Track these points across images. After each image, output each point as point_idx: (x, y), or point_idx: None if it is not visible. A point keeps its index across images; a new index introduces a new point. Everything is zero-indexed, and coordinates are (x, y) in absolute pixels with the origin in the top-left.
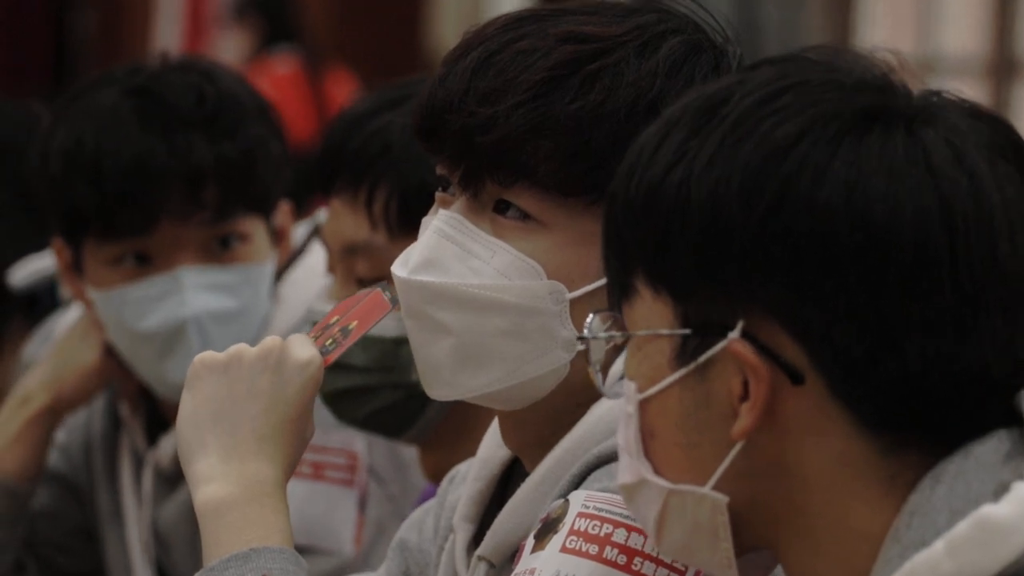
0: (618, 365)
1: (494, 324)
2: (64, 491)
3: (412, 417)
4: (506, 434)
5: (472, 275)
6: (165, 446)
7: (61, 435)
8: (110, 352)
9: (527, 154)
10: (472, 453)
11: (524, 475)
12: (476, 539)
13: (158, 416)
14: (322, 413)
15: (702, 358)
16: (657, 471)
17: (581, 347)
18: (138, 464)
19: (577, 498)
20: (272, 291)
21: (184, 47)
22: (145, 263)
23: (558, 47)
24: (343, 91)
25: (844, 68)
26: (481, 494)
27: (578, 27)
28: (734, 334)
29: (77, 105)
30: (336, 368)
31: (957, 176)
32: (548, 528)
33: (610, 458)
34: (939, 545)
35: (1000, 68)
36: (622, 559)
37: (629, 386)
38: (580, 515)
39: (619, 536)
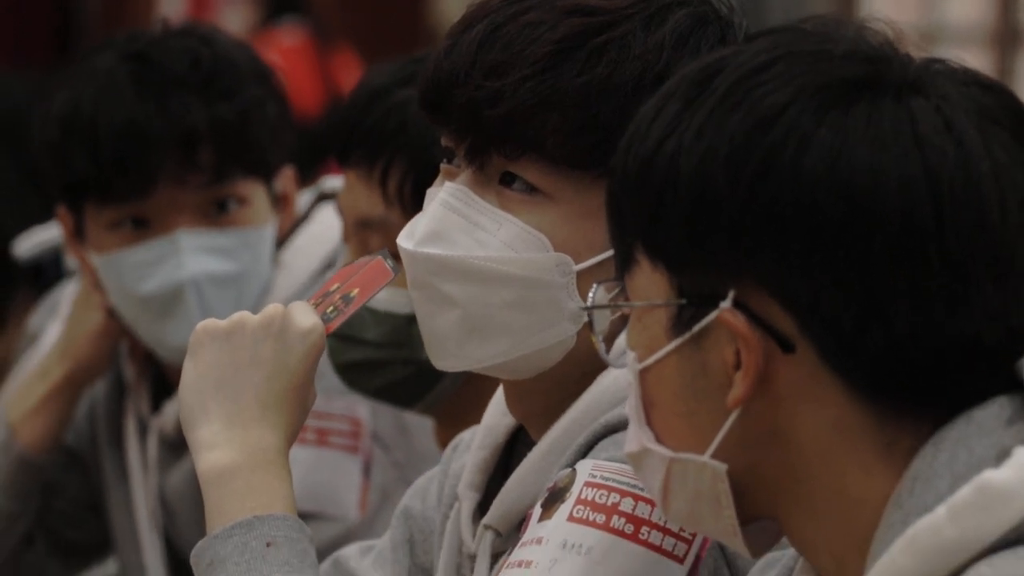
0: (625, 335)
1: (500, 296)
2: (69, 461)
3: (423, 391)
4: (512, 403)
5: (478, 247)
6: (169, 412)
7: None
8: (112, 313)
9: (534, 127)
10: None
11: (529, 443)
12: (481, 507)
13: (163, 382)
14: (326, 380)
15: (696, 328)
16: (659, 440)
17: (587, 319)
18: (143, 431)
19: (584, 467)
20: (274, 256)
21: (188, 19)
22: (143, 227)
23: (564, 20)
24: (347, 71)
25: (837, 39)
26: (486, 462)
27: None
28: (725, 304)
29: (76, 71)
30: (348, 341)
31: (944, 144)
32: (555, 497)
33: (617, 427)
34: (941, 510)
35: (1004, 38)
36: (629, 528)
37: (630, 356)
38: (587, 484)
39: (626, 505)
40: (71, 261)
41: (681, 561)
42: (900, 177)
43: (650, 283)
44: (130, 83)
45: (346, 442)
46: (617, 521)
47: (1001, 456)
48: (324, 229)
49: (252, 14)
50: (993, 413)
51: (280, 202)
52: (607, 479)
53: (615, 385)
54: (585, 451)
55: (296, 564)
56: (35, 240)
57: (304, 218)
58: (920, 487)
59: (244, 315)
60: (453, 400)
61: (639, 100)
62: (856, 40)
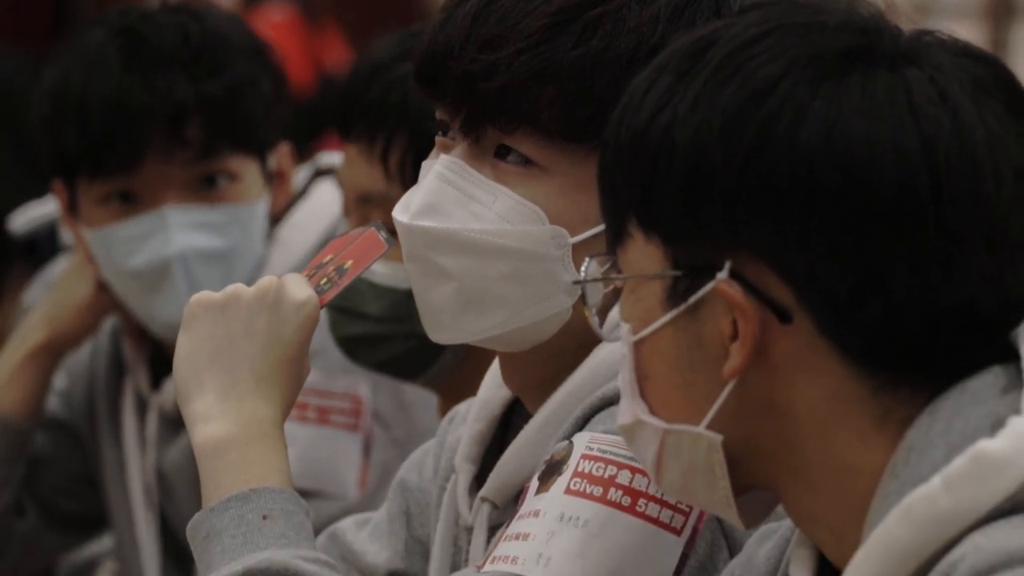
0: (618, 308)
1: (496, 269)
2: (65, 437)
3: (425, 364)
4: (507, 375)
5: (473, 220)
6: (169, 389)
7: (63, 381)
8: (104, 288)
9: (529, 100)
10: None
11: (525, 416)
12: (478, 480)
13: (162, 359)
14: (328, 358)
15: (692, 299)
16: (653, 412)
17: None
18: (142, 408)
19: (581, 440)
20: (267, 232)
21: None
22: (132, 202)
23: None
24: (333, 49)
25: (829, 11)
26: (482, 435)
27: None
28: (722, 275)
29: (68, 47)
30: (349, 314)
31: (939, 114)
32: (552, 470)
33: (613, 400)
34: (936, 480)
35: (998, 10)
36: (626, 500)
37: (624, 328)
38: (584, 457)
39: (623, 478)
40: (66, 236)
41: (678, 533)
42: (896, 147)
43: (644, 256)
44: (118, 58)
45: (347, 420)
46: (614, 494)
47: (996, 426)
48: (321, 205)
49: None
50: (988, 383)
51: (275, 178)
52: (604, 451)
53: (611, 357)
54: (582, 424)
55: (292, 536)
56: (30, 215)
57: (301, 194)
58: (915, 457)
59: (238, 287)
60: (455, 374)
61: (634, 73)
62: (848, 12)
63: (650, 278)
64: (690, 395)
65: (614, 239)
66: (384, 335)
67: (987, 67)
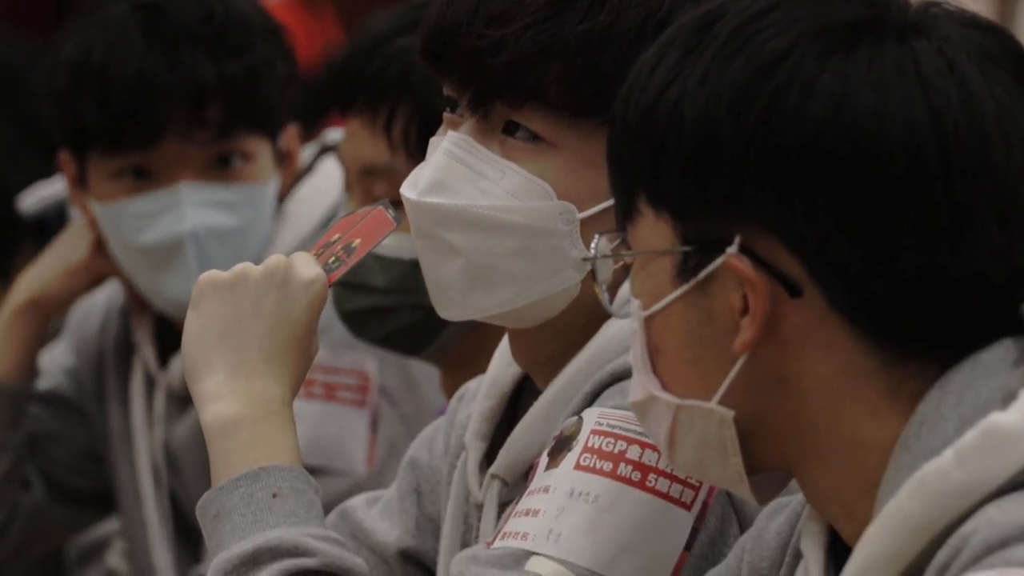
0: (628, 284)
1: (504, 245)
2: (72, 415)
3: (430, 337)
4: (517, 352)
5: (482, 196)
6: (177, 367)
7: (71, 359)
8: (102, 254)
9: (537, 76)
10: None
11: (535, 392)
12: (488, 457)
13: (170, 337)
14: (334, 334)
15: (702, 274)
16: (665, 387)
17: (589, 269)
18: (150, 386)
19: (591, 415)
20: (276, 210)
21: None
22: (146, 178)
23: None
24: (331, 34)
25: None
26: (492, 411)
27: None
28: (731, 249)
29: (87, 20)
30: (355, 288)
31: (948, 85)
32: (562, 445)
33: (623, 375)
34: (948, 454)
35: None
36: (636, 475)
37: (634, 304)
38: (594, 432)
39: (633, 453)
40: (75, 215)
41: (688, 508)
42: (905, 119)
43: (653, 231)
44: (142, 34)
45: (354, 396)
46: (624, 469)
47: (1008, 399)
48: (327, 181)
49: None
50: (999, 355)
51: (283, 159)
52: (613, 427)
53: (620, 333)
54: (591, 399)
55: (302, 515)
56: (39, 195)
57: (307, 170)
58: (927, 431)
59: (247, 266)
60: (458, 348)
61: (642, 48)
62: None
63: (660, 254)
64: (701, 370)
65: (624, 215)
66: (391, 307)
67: (995, 38)
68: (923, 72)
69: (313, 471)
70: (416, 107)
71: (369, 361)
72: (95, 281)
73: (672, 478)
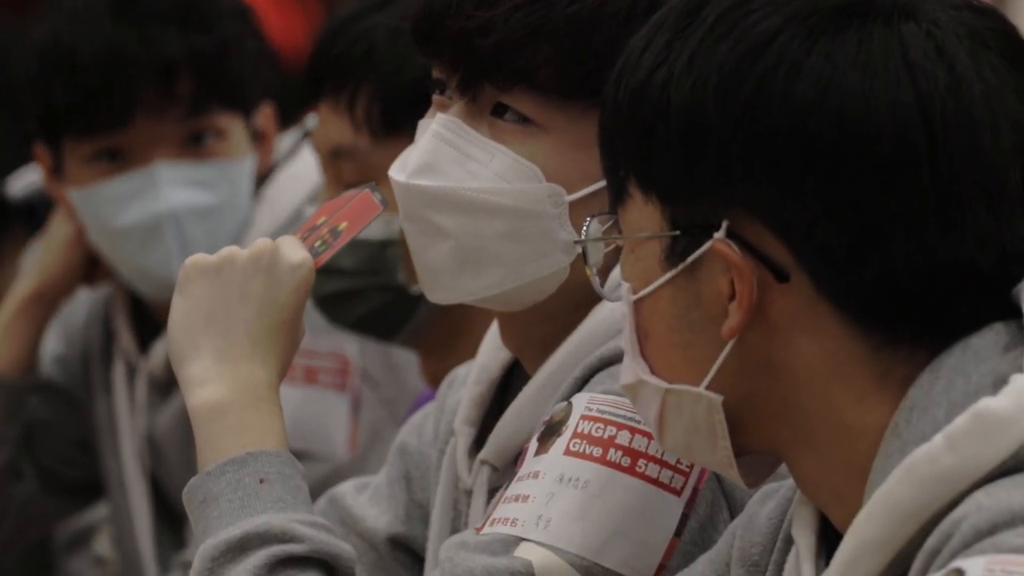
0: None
1: (493, 227)
2: (63, 402)
3: (401, 319)
4: (506, 336)
5: (470, 179)
6: (158, 353)
7: (60, 346)
8: (82, 240)
9: (526, 58)
10: (471, 356)
11: (524, 378)
12: (477, 442)
13: (150, 322)
14: (313, 317)
15: (689, 259)
16: (654, 371)
17: (579, 251)
18: (132, 373)
19: (580, 400)
20: (255, 192)
21: None
22: (121, 159)
23: None
24: (317, 23)
25: None
26: (482, 397)
27: None
28: (719, 234)
29: (55, 5)
30: (325, 271)
31: (935, 69)
32: (551, 431)
33: (612, 360)
34: (939, 439)
35: None
36: (626, 461)
37: (624, 288)
38: (583, 417)
39: (623, 438)
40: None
41: (678, 493)
42: (892, 102)
43: (643, 215)
44: (109, 13)
45: (333, 380)
46: (614, 454)
47: (998, 384)
48: (307, 166)
49: None
50: (989, 340)
51: (259, 139)
52: (603, 412)
53: (610, 317)
54: (581, 384)
55: (289, 501)
56: (27, 180)
57: (288, 156)
58: (917, 416)
59: (233, 250)
60: (435, 333)
61: (631, 29)
62: None
63: (648, 238)
64: (690, 355)
65: (615, 198)
66: (359, 289)
67: (986, 19)
68: (910, 55)
69: (294, 455)
70: (378, 86)
71: (348, 344)
72: (88, 254)
73: (662, 464)
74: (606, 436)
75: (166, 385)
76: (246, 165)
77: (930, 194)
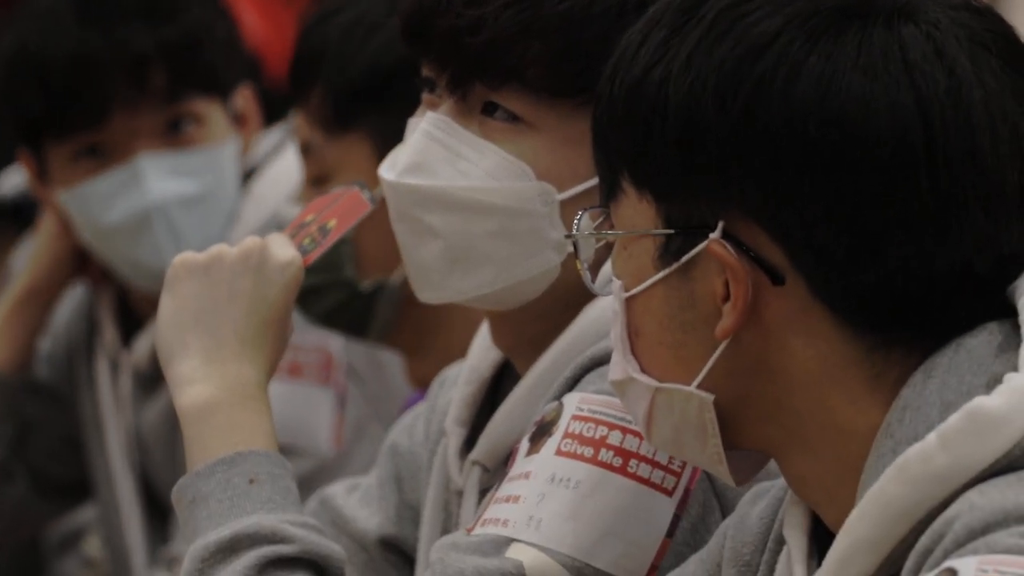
0: (610, 263)
1: (483, 226)
2: (50, 401)
3: (363, 316)
4: (497, 335)
5: (461, 177)
6: (142, 347)
7: (46, 343)
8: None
9: (516, 56)
10: (451, 356)
11: (515, 378)
12: (468, 443)
13: (132, 315)
14: (297, 312)
15: (684, 259)
16: (644, 369)
17: (570, 250)
18: (115, 368)
19: (571, 400)
20: (241, 182)
21: None
22: (102, 155)
23: None
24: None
25: None
26: (473, 397)
27: None
28: (714, 235)
29: (21, 12)
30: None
31: (935, 71)
32: (542, 431)
33: (603, 360)
34: (932, 438)
35: None
36: (617, 461)
37: (616, 284)
38: (575, 417)
39: (614, 438)
40: None
41: (670, 494)
42: (891, 105)
43: (636, 212)
44: (73, 14)
45: (318, 374)
46: (605, 454)
47: (992, 383)
48: (293, 163)
49: None
50: (983, 340)
51: (240, 121)
52: (594, 412)
53: (601, 317)
54: (572, 384)
55: (279, 501)
56: (15, 180)
57: (274, 151)
58: (910, 416)
59: (222, 248)
60: (409, 333)
61: (622, 26)
62: None
63: (642, 235)
64: (681, 355)
65: (607, 193)
66: (319, 286)
67: (986, 21)
68: (910, 58)
69: (279, 450)
70: (328, 83)
71: (332, 339)
72: (85, 267)
73: (654, 464)
74: (597, 436)
75: (151, 379)
76: (228, 149)
77: (928, 197)
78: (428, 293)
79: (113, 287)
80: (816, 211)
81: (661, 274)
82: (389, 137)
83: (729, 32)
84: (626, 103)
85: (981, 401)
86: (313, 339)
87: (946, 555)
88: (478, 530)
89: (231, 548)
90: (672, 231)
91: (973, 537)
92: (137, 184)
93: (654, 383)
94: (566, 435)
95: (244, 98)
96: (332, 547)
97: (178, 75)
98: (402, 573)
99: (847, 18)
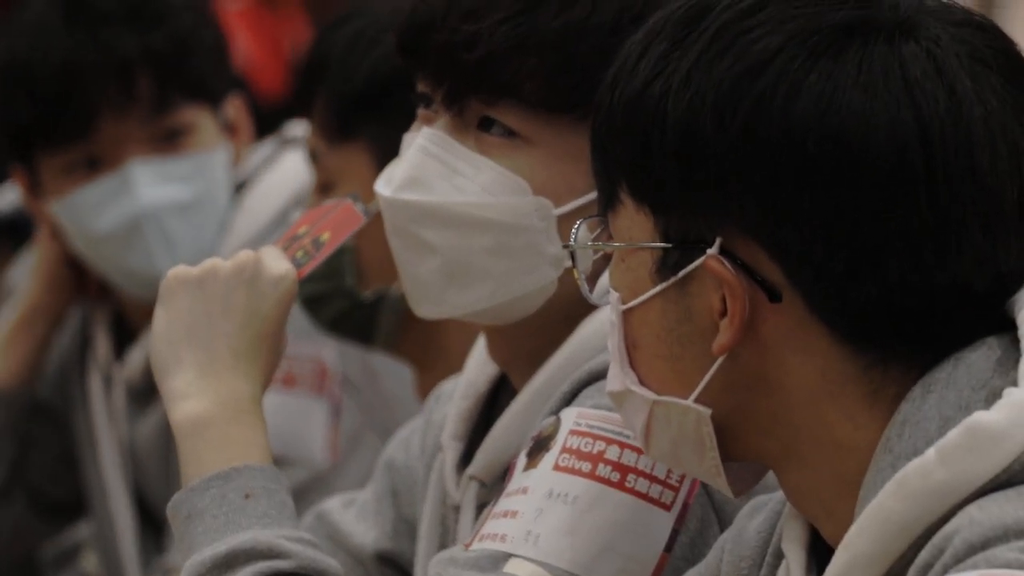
0: (608, 274)
1: (479, 242)
2: (46, 418)
3: (367, 325)
4: (493, 350)
5: (457, 193)
6: (135, 360)
7: None
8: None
9: (512, 71)
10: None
11: (512, 392)
12: (465, 457)
13: (126, 330)
14: (294, 322)
15: (681, 273)
16: (642, 382)
17: (568, 264)
18: (108, 383)
19: (569, 415)
20: (232, 191)
21: None
22: (96, 166)
23: None
24: (296, 29)
25: None
26: (469, 411)
27: None
28: (711, 251)
29: (11, 23)
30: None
31: (935, 89)
32: (540, 446)
33: (601, 374)
34: (931, 453)
35: None
36: (615, 476)
37: (613, 296)
38: (572, 432)
39: (612, 453)
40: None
41: (668, 508)
42: (890, 123)
43: (634, 223)
44: (61, 23)
45: (311, 384)
46: (603, 470)
47: (991, 398)
48: (286, 173)
49: None
50: (982, 354)
51: (231, 130)
52: (592, 427)
53: (598, 331)
54: (569, 399)
55: (275, 516)
56: (9, 197)
57: (267, 164)
58: (910, 430)
59: (215, 262)
60: (417, 345)
61: (618, 41)
62: None
63: (639, 248)
64: (679, 368)
65: (606, 203)
66: (323, 294)
67: (987, 38)
68: (910, 75)
69: (273, 460)
70: (329, 92)
71: (327, 349)
72: (85, 282)
73: (652, 479)
74: (595, 451)
75: (145, 393)
76: (219, 156)
77: (927, 215)
78: (425, 309)
79: (110, 303)
80: (815, 228)
81: (658, 288)
82: (390, 147)
83: (730, 48)
84: (625, 116)
85: (980, 416)
86: (308, 350)
87: (945, 570)
88: (476, 545)
89: (227, 564)
90: (669, 245)
91: (973, 552)
92: (128, 191)
93: (652, 396)
94: (564, 450)
95: (235, 108)
96: (329, 562)
97: (166, 82)
98: None
99: (848, 36)
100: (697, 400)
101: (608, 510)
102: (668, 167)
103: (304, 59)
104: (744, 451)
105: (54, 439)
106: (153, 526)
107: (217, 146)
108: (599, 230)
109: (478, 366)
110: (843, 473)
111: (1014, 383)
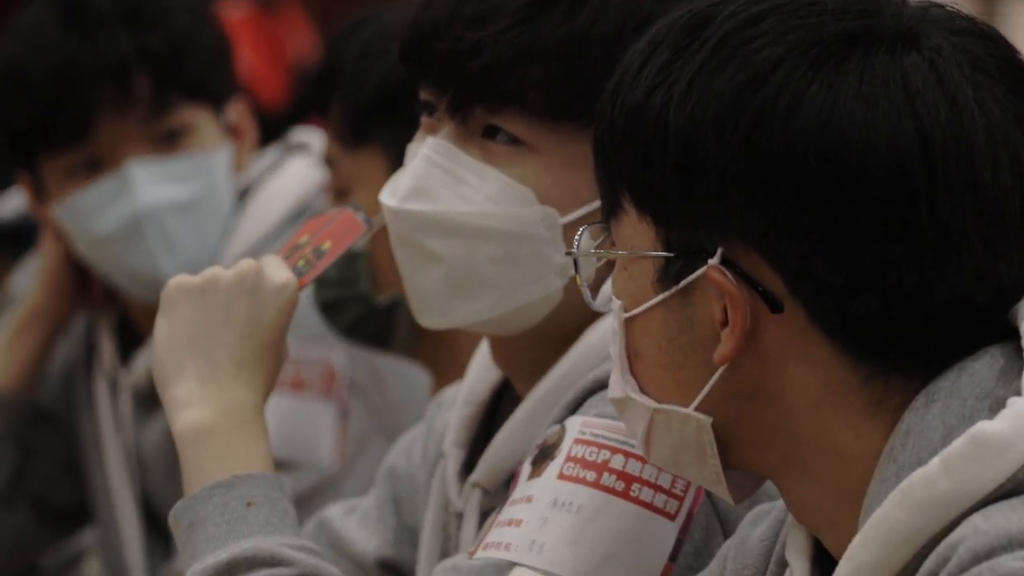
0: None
1: (485, 252)
2: (49, 426)
3: (383, 329)
4: (498, 358)
5: (462, 203)
6: (141, 365)
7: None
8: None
9: (516, 79)
10: None
11: (514, 400)
12: (467, 465)
13: (132, 334)
14: (303, 326)
15: (683, 283)
16: (643, 390)
17: (572, 272)
18: (114, 388)
19: (573, 424)
20: (237, 201)
21: None
22: (97, 168)
23: None
24: (297, 35)
25: None
26: (471, 419)
27: None
28: (713, 261)
29: (10, 29)
30: (320, 283)
31: (937, 100)
32: (544, 454)
33: (605, 383)
34: (935, 463)
35: None
36: (620, 485)
37: (615, 304)
38: (577, 441)
39: (617, 462)
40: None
41: (673, 518)
42: (891, 133)
43: (636, 232)
44: (57, 26)
45: (320, 388)
46: (608, 478)
47: (995, 407)
48: (291, 179)
49: None
50: (985, 364)
51: (234, 133)
52: (597, 436)
53: (603, 340)
54: (574, 407)
55: (277, 524)
56: (14, 203)
57: (271, 170)
58: (913, 440)
59: (217, 271)
60: (435, 349)
61: (621, 49)
62: None
63: (641, 257)
64: (679, 377)
65: (609, 211)
66: (341, 299)
67: (989, 46)
68: (911, 86)
69: (279, 464)
70: (344, 98)
71: (336, 354)
72: (88, 285)
73: (656, 488)
74: (600, 460)
75: (151, 398)
76: (221, 156)
77: (928, 226)
78: (429, 319)
79: (116, 308)
80: (815, 241)
81: (660, 297)
82: (403, 152)
83: (731, 59)
84: (626, 125)
85: (984, 426)
86: (316, 353)
87: None
88: (480, 553)
89: (229, 571)
90: (671, 254)
91: (977, 561)
92: (127, 191)
93: (652, 404)
94: (568, 459)
95: (238, 111)
96: (330, 570)
97: (163, 82)
98: None
99: (850, 46)
100: (698, 409)
101: (612, 519)
102: (669, 179)
103: (317, 67)
104: (745, 461)
105: (58, 447)
106: (160, 533)
107: (218, 147)
108: (602, 237)
109: (480, 373)
110: (845, 483)
111: (1017, 392)
